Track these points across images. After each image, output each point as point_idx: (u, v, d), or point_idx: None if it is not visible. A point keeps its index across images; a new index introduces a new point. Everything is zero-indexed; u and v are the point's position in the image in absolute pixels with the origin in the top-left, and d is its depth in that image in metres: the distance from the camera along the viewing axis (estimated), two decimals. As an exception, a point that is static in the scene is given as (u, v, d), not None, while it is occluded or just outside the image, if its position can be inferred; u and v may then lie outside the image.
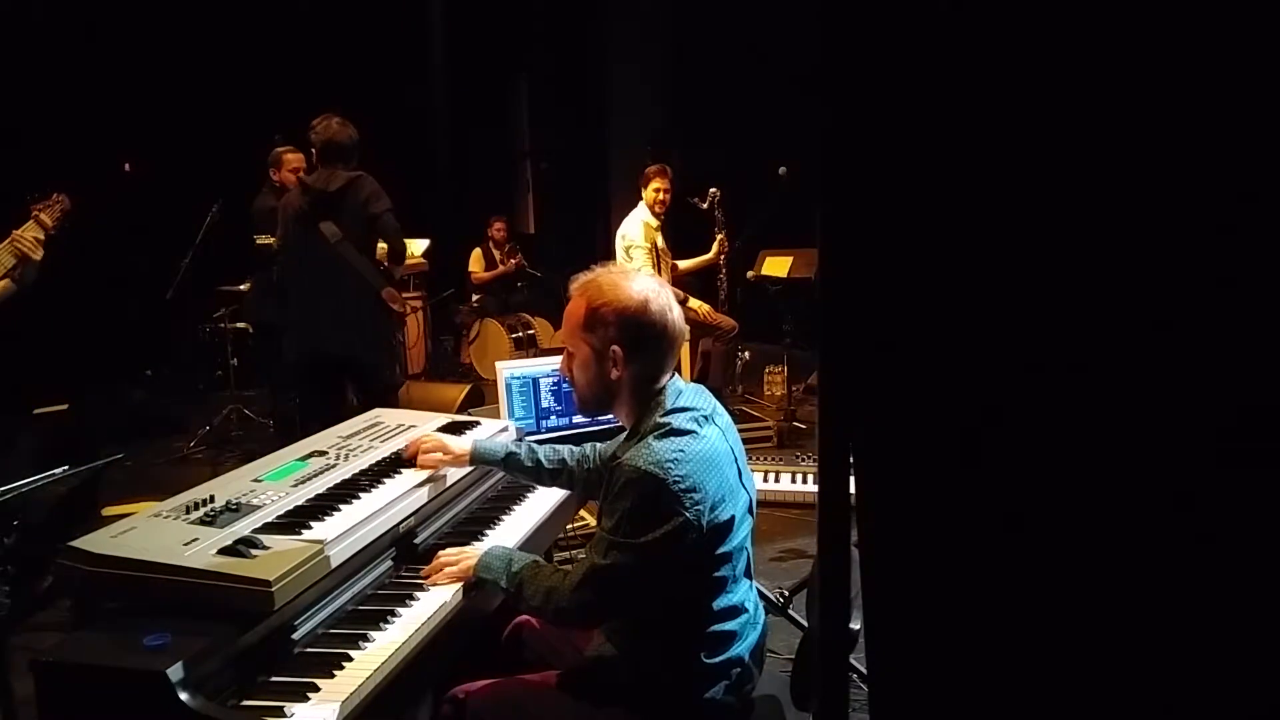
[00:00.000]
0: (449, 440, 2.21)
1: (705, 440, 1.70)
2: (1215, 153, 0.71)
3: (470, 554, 1.90)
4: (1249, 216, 0.71)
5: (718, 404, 1.85)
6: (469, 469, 2.30)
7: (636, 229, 5.32)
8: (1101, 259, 0.76)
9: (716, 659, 1.72)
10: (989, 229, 0.80)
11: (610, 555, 1.64)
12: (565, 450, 2.21)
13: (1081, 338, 0.77)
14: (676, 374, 1.83)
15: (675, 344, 1.78)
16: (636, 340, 1.74)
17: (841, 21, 0.83)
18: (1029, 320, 0.79)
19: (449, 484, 2.22)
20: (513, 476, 2.33)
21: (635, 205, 5.48)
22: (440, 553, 1.91)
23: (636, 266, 5.16)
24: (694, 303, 5.41)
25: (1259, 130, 0.70)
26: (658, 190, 5.34)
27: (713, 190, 5.46)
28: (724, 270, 5.62)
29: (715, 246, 5.53)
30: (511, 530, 2.23)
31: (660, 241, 5.41)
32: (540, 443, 2.29)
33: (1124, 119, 0.74)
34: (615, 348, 1.74)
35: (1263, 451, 0.71)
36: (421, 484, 2.10)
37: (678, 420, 1.71)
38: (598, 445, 2.21)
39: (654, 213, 5.37)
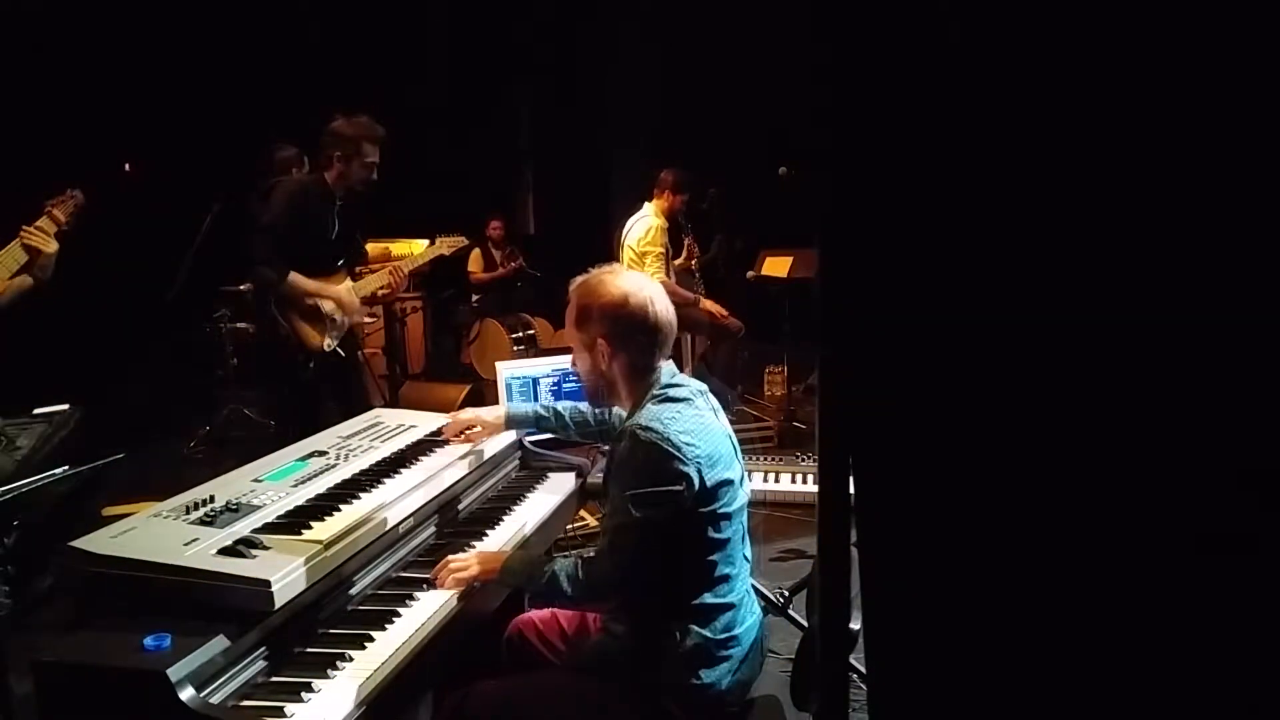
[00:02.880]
0: (483, 413, 2.44)
1: (699, 409, 1.84)
2: (1218, 153, 0.71)
3: (480, 559, 1.91)
4: (1253, 217, 0.71)
5: (707, 389, 1.95)
6: (472, 468, 2.34)
7: (651, 234, 5.26)
8: (1105, 261, 0.76)
9: (717, 634, 1.76)
10: (991, 229, 0.80)
11: (627, 515, 1.72)
12: (586, 409, 2.39)
13: (1083, 339, 0.77)
14: (673, 363, 1.93)
15: (661, 334, 1.87)
16: (619, 332, 1.85)
17: (842, 21, 0.83)
18: (1030, 321, 0.79)
19: (449, 484, 2.22)
20: (542, 431, 2.51)
21: (633, 204, 5.47)
22: (449, 558, 1.92)
23: (650, 272, 5.16)
24: (705, 303, 5.44)
25: (1260, 130, 0.70)
26: (684, 203, 5.36)
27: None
28: (698, 272, 5.68)
29: (685, 251, 5.58)
30: (512, 530, 2.23)
31: (667, 242, 5.41)
32: (539, 420, 2.45)
33: (1125, 117, 0.74)
34: (601, 340, 1.87)
35: (1261, 453, 0.71)
36: (421, 484, 2.10)
37: (673, 391, 1.84)
38: (613, 409, 2.32)
39: (667, 218, 5.36)
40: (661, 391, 1.84)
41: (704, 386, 1.94)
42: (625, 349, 1.86)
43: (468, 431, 2.40)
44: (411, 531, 2.05)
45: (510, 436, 2.59)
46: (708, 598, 1.77)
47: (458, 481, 2.27)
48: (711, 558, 1.77)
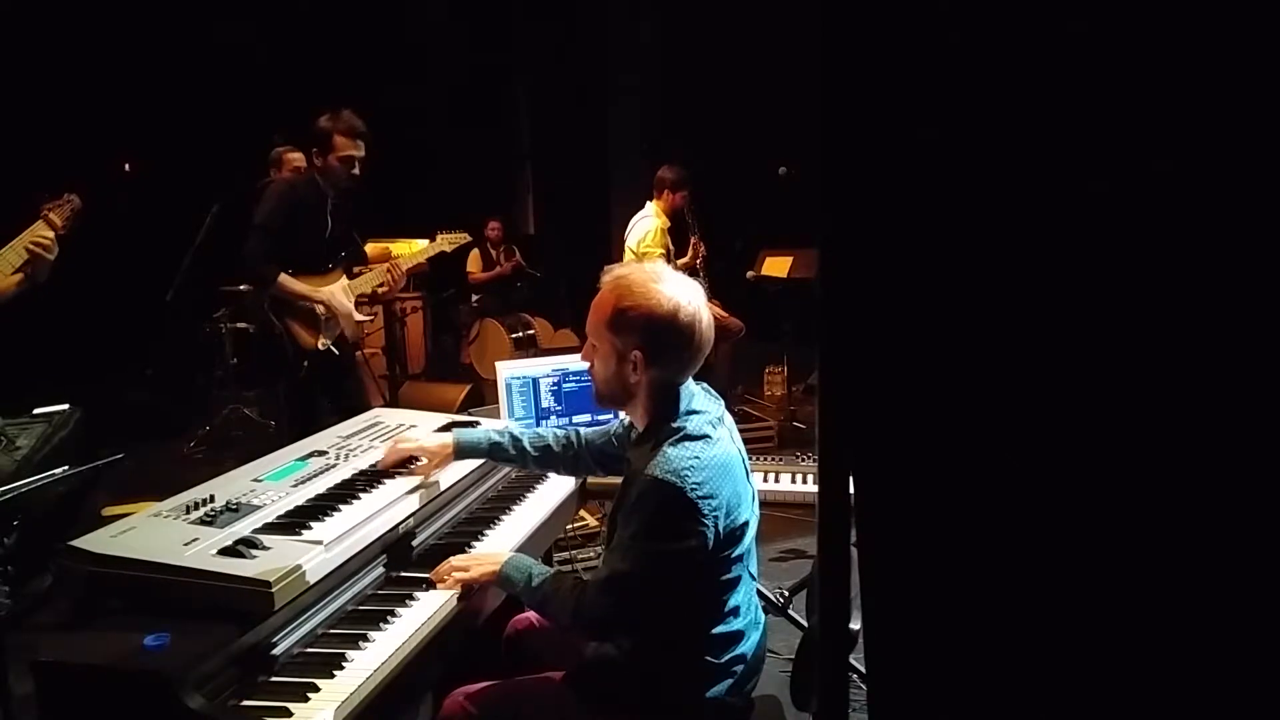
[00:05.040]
0: (426, 443, 2.17)
1: (719, 444, 1.70)
2: (1217, 153, 0.71)
3: (481, 560, 1.90)
4: (1251, 217, 0.71)
5: (723, 405, 1.85)
6: (471, 468, 2.31)
7: (651, 235, 5.24)
8: (1102, 261, 0.76)
9: (722, 659, 1.73)
10: (990, 231, 0.80)
11: (630, 562, 1.65)
12: (549, 435, 2.20)
13: (1081, 340, 0.77)
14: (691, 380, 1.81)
15: (702, 351, 1.73)
16: (660, 347, 1.69)
17: (842, 22, 0.83)
18: (1028, 322, 0.79)
19: (449, 484, 2.22)
20: (498, 464, 2.30)
21: (633, 204, 5.46)
22: (451, 559, 1.91)
23: None
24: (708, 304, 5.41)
25: (1259, 130, 0.70)
26: (685, 199, 5.32)
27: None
28: (702, 271, 5.64)
29: (690, 250, 5.55)
30: (511, 531, 2.23)
31: (669, 243, 5.40)
32: (493, 449, 2.22)
33: (1125, 119, 0.74)
34: (637, 352, 1.70)
35: (1262, 452, 0.71)
36: (421, 483, 2.10)
37: (692, 425, 1.70)
38: (582, 431, 2.20)
39: (670, 217, 5.34)
40: (681, 426, 1.69)
41: (721, 410, 1.80)
42: (661, 364, 1.70)
43: (414, 464, 2.13)
44: (411, 531, 2.05)
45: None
46: (715, 629, 1.72)
47: (457, 481, 2.27)
48: (722, 596, 1.72)
